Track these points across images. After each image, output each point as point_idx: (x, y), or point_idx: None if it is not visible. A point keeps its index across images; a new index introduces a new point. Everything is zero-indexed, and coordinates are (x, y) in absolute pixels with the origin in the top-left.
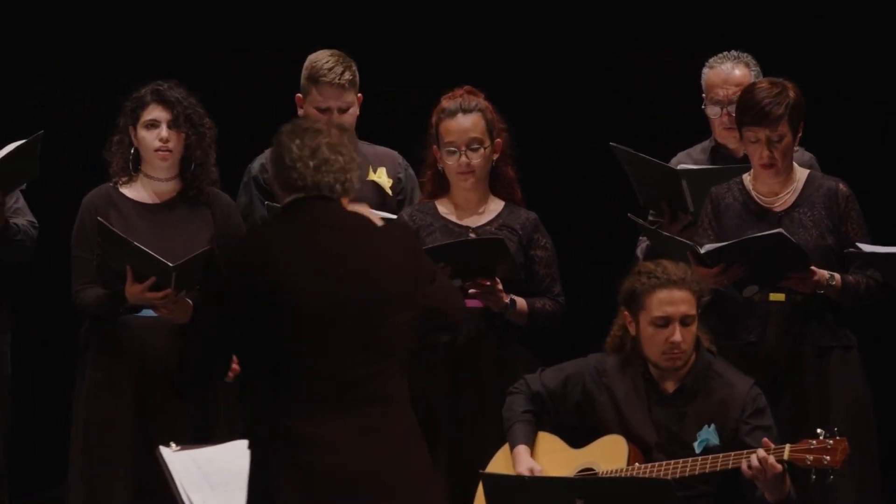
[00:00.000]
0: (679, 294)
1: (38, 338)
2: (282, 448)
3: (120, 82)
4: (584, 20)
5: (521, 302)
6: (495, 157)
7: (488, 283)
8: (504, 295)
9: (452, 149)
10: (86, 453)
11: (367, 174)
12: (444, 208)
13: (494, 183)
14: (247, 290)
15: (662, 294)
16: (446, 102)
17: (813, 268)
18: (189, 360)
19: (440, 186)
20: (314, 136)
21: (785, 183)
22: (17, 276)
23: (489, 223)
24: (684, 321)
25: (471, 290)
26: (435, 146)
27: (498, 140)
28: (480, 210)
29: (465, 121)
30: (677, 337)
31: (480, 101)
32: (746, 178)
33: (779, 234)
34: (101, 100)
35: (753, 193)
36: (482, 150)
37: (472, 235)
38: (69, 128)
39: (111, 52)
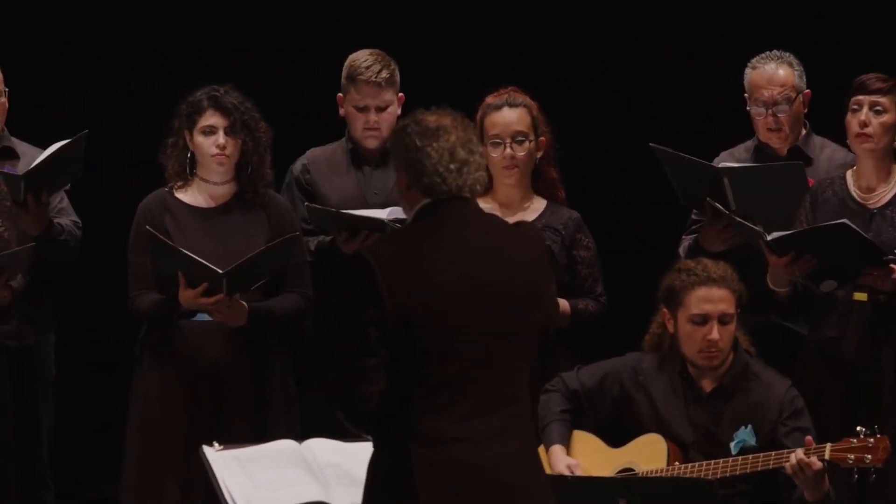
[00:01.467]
0: (718, 292)
1: (81, 339)
2: (418, 447)
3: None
4: (622, 20)
5: (562, 304)
6: (538, 154)
7: None
8: None
9: (497, 140)
10: (140, 457)
11: None
12: (486, 207)
13: (537, 183)
14: (399, 290)
15: (701, 291)
16: (492, 98)
17: (893, 265)
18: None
19: None
20: (445, 135)
21: (885, 179)
22: (61, 277)
23: (531, 223)
24: (722, 319)
25: None
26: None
27: (542, 138)
28: (523, 209)
29: (510, 114)
30: (715, 335)
31: (526, 98)
32: (849, 174)
33: (843, 224)
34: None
35: (852, 189)
36: (526, 143)
37: None
38: (111, 128)
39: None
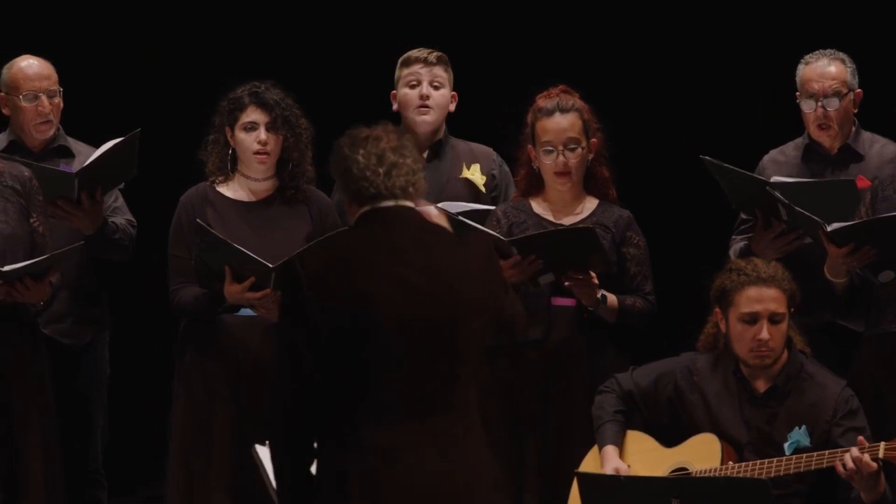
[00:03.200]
0: (768, 292)
1: (135, 337)
2: (353, 457)
3: (223, 82)
4: (674, 18)
5: (611, 298)
6: (590, 157)
7: (582, 276)
8: (597, 289)
9: (549, 148)
10: (183, 454)
11: (462, 171)
12: (538, 206)
13: (589, 182)
14: (326, 300)
15: (751, 291)
16: (543, 101)
17: None
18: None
19: (534, 185)
20: (375, 143)
21: None
22: (115, 275)
23: (582, 221)
24: (773, 319)
25: (566, 283)
26: (530, 145)
27: (593, 140)
28: (574, 209)
29: (562, 120)
30: (764, 334)
31: (577, 100)
32: None
33: None
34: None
35: None
36: (579, 150)
37: None
38: (164, 126)
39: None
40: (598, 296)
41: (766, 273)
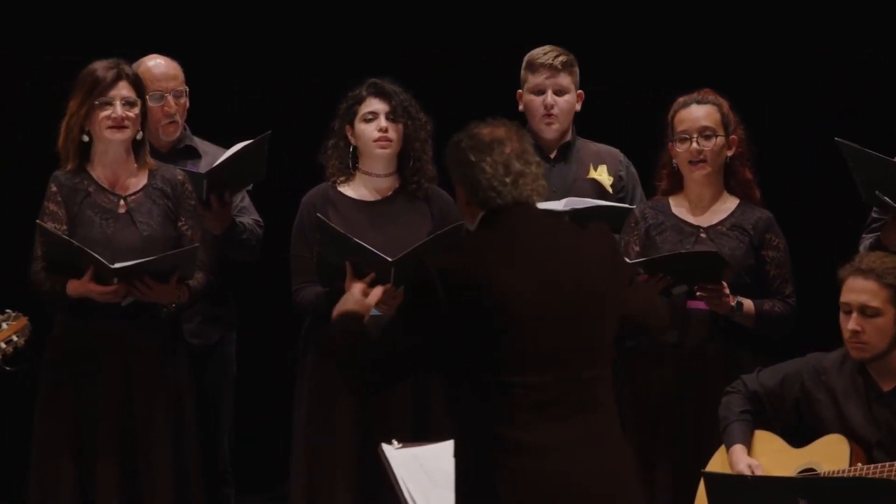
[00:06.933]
0: (862, 283)
1: (261, 337)
2: (499, 456)
3: (347, 82)
4: (811, 17)
5: (748, 304)
6: (729, 152)
7: (713, 287)
8: (730, 298)
9: (685, 136)
10: (307, 453)
11: (589, 172)
12: (677, 206)
13: (730, 181)
14: (461, 302)
15: (849, 281)
16: (682, 98)
17: None
18: (375, 366)
19: (675, 184)
20: (500, 147)
21: None
22: (242, 275)
23: (721, 223)
24: (864, 311)
25: (698, 294)
26: (670, 143)
27: (733, 137)
28: (714, 208)
29: (698, 110)
30: (853, 325)
31: (717, 97)
32: None
33: None
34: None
35: None
36: (714, 139)
37: (703, 235)
38: (291, 127)
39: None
40: (733, 303)
41: (867, 264)
